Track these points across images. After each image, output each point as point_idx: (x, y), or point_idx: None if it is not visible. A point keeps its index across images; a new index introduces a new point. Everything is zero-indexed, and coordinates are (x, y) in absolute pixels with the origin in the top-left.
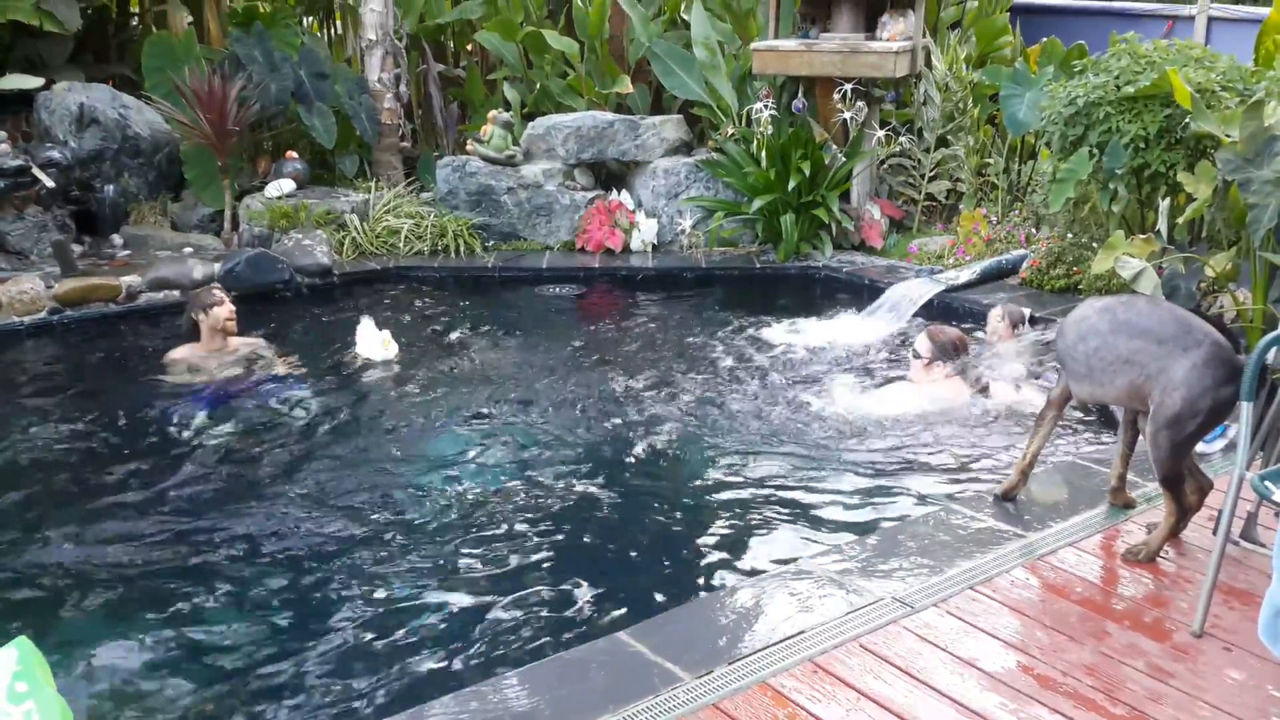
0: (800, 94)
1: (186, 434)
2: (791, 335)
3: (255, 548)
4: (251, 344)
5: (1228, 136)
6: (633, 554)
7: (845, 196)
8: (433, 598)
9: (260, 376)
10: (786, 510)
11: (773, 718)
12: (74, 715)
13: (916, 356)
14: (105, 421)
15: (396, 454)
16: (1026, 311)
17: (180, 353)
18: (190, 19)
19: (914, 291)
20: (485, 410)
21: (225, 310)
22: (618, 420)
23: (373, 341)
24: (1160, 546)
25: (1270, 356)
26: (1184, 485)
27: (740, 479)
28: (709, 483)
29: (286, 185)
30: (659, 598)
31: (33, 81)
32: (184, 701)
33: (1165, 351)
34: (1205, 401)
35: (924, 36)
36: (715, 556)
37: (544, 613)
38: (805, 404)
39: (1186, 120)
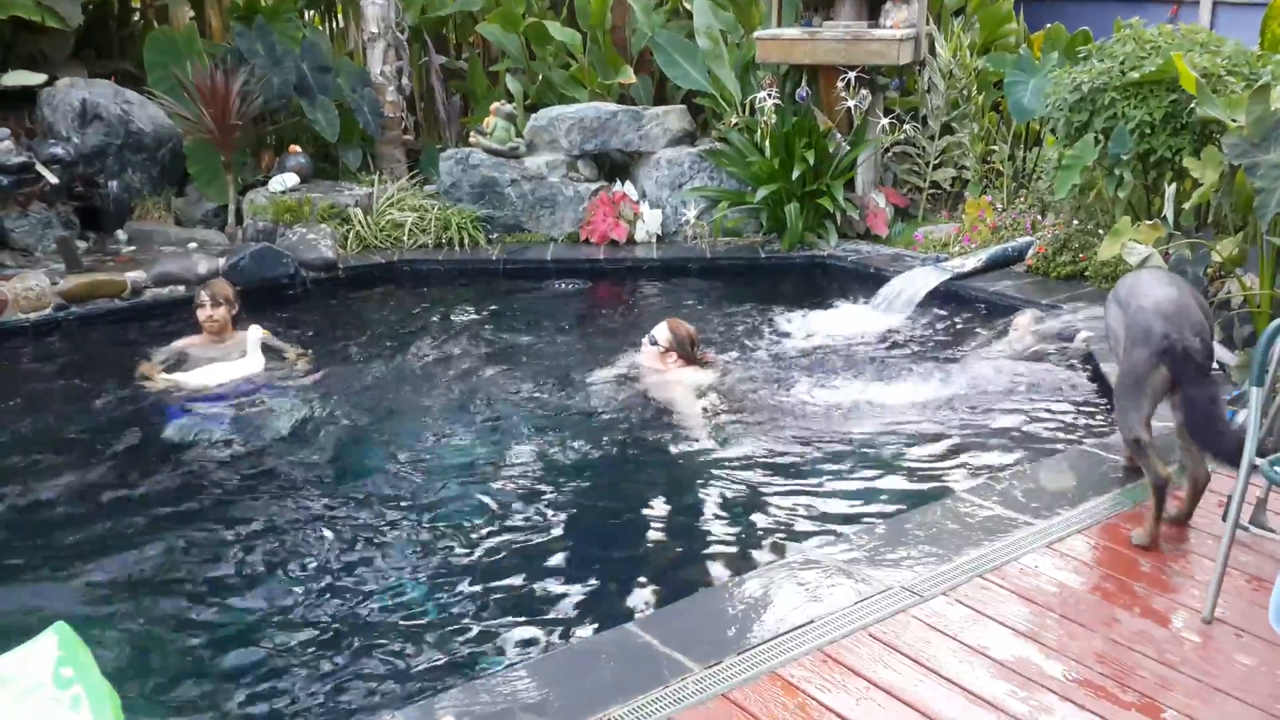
0: (804, 83)
1: (187, 431)
2: (797, 324)
3: (255, 545)
4: (253, 338)
5: (1234, 121)
6: (640, 545)
7: (850, 185)
8: (441, 591)
9: (256, 374)
10: (794, 499)
11: (783, 707)
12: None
13: (653, 344)
14: (110, 418)
15: (400, 447)
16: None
17: (178, 342)
18: (192, 14)
19: (920, 280)
20: (492, 401)
21: (201, 314)
22: (624, 410)
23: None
24: (1154, 528)
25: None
26: (1149, 455)
27: (747, 469)
28: (716, 472)
29: (290, 179)
30: (667, 589)
31: (35, 78)
32: (191, 699)
33: (1119, 313)
34: (1125, 363)
35: (927, 23)
36: (723, 547)
37: (552, 605)
38: (811, 393)
39: (1192, 105)
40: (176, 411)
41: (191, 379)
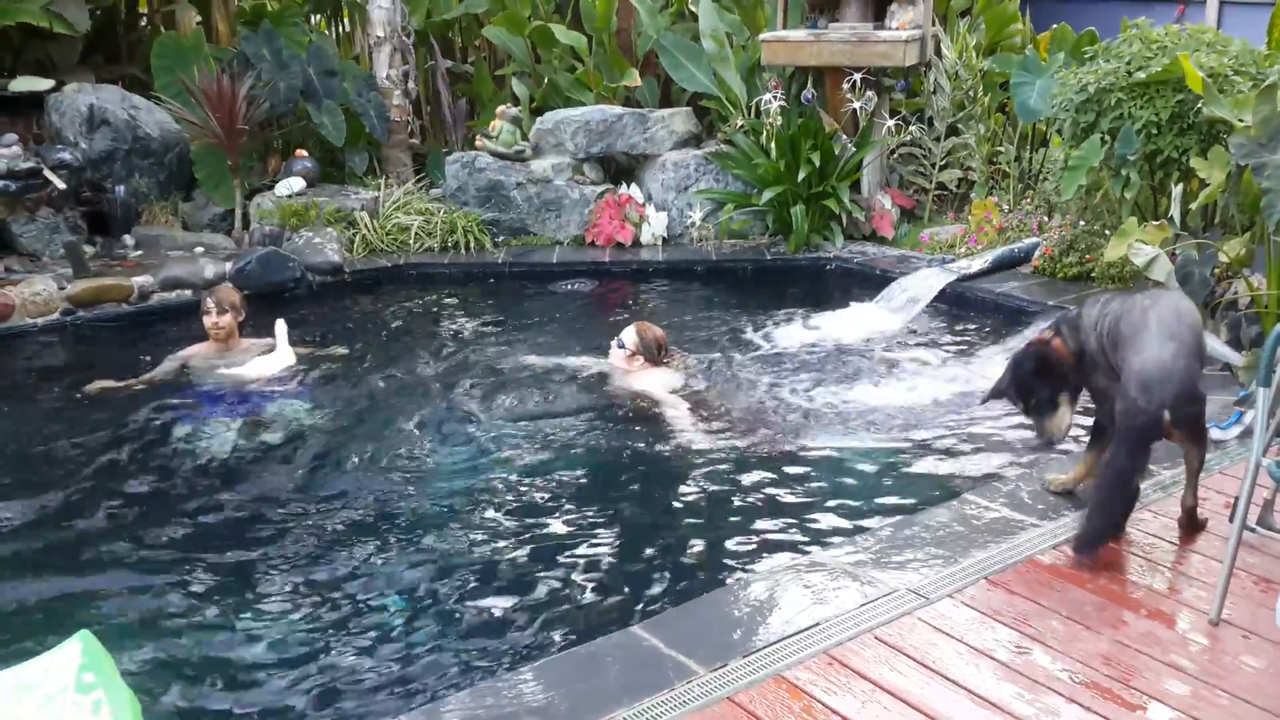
0: (809, 84)
1: (195, 436)
2: (802, 327)
3: (266, 549)
4: (263, 345)
5: (1241, 121)
6: (645, 548)
7: (856, 187)
8: (446, 594)
9: (267, 377)
10: (799, 502)
11: (788, 710)
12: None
13: (621, 346)
14: (118, 422)
15: (406, 451)
16: None
17: (186, 350)
18: (199, 18)
19: (926, 281)
20: (497, 404)
21: (207, 320)
22: (628, 413)
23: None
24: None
25: None
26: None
27: (753, 471)
28: (721, 475)
29: (296, 183)
30: (672, 591)
31: (43, 83)
32: (205, 702)
33: (1125, 340)
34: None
35: (933, 25)
36: (729, 549)
37: (558, 608)
38: (815, 394)
39: (1199, 105)
40: (204, 412)
41: (248, 371)
